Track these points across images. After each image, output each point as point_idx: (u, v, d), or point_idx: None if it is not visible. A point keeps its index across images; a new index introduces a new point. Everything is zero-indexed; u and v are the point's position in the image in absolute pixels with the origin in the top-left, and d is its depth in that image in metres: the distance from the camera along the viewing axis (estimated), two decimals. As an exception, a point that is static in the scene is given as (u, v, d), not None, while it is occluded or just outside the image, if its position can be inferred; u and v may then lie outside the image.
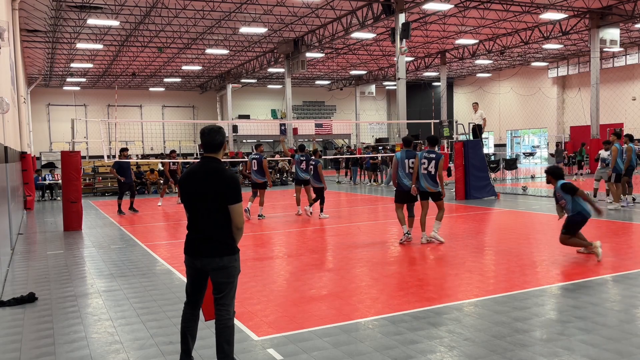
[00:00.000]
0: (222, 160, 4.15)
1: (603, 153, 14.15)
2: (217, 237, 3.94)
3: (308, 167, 13.40)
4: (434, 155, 9.15)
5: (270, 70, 35.45)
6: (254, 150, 13.89)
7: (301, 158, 13.62)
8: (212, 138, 4.01)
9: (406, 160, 9.29)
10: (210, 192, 3.92)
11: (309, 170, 13.40)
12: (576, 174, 24.80)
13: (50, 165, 27.55)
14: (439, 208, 9.35)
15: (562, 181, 8.01)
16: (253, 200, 13.71)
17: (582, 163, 25.86)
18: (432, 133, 20.51)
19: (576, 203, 7.79)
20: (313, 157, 13.52)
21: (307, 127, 39.50)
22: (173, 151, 19.38)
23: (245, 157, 22.92)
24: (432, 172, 9.12)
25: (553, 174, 8.16)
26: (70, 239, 11.16)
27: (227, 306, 3.98)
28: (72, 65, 33.50)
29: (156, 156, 35.67)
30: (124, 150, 16.33)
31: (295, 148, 28.14)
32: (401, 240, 9.42)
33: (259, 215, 13.46)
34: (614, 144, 13.26)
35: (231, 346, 3.97)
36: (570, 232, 7.89)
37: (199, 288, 4.06)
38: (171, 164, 18.85)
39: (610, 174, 13.29)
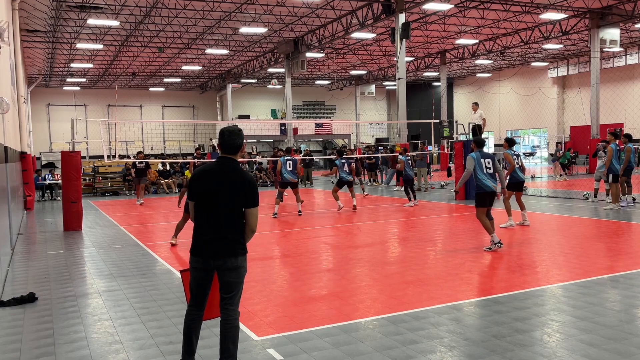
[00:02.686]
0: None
1: (601, 153, 14.18)
2: (232, 237, 3.93)
3: (350, 168, 14.84)
4: (518, 152, 11.68)
5: (270, 70, 35.46)
6: (285, 154, 15.18)
7: (342, 161, 14.86)
8: (232, 140, 4.00)
9: (482, 160, 8.97)
10: (228, 191, 3.90)
11: (351, 172, 15.03)
12: (561, 175, 24.82)
13: (50, 165, 27.53)
14: (519, 197, 11.53)
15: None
16: (279, 202, 14.31)
17: (568, 165, 26.05)
18: (432, 133, 20.62)
19: None
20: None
21: (307, 127, 39.50)
22: (198, 148, 21.43)
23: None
24: (521, 166, 11.54)
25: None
26: (70, 239, 11.16)
27: (235, 306, 3.99)
28: (72, 65, 33.50)
29: (156, 156, 35.66)
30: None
31: (293, 149, 28.11)
32: (491, 247, 8.58)
33: (298, 212, 14.16)
34: (611, 144, 13.23)
35: (236, 347, 3.98)
36: None
37: (205, 289, 4.04)
38: (137, 162, 18.42)
39: (606, 174, 13.27)
